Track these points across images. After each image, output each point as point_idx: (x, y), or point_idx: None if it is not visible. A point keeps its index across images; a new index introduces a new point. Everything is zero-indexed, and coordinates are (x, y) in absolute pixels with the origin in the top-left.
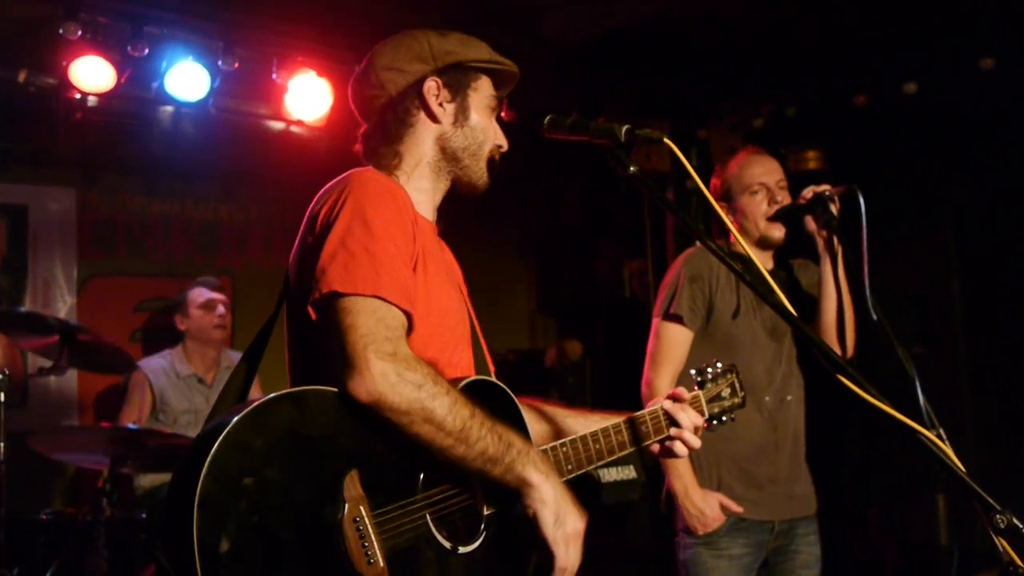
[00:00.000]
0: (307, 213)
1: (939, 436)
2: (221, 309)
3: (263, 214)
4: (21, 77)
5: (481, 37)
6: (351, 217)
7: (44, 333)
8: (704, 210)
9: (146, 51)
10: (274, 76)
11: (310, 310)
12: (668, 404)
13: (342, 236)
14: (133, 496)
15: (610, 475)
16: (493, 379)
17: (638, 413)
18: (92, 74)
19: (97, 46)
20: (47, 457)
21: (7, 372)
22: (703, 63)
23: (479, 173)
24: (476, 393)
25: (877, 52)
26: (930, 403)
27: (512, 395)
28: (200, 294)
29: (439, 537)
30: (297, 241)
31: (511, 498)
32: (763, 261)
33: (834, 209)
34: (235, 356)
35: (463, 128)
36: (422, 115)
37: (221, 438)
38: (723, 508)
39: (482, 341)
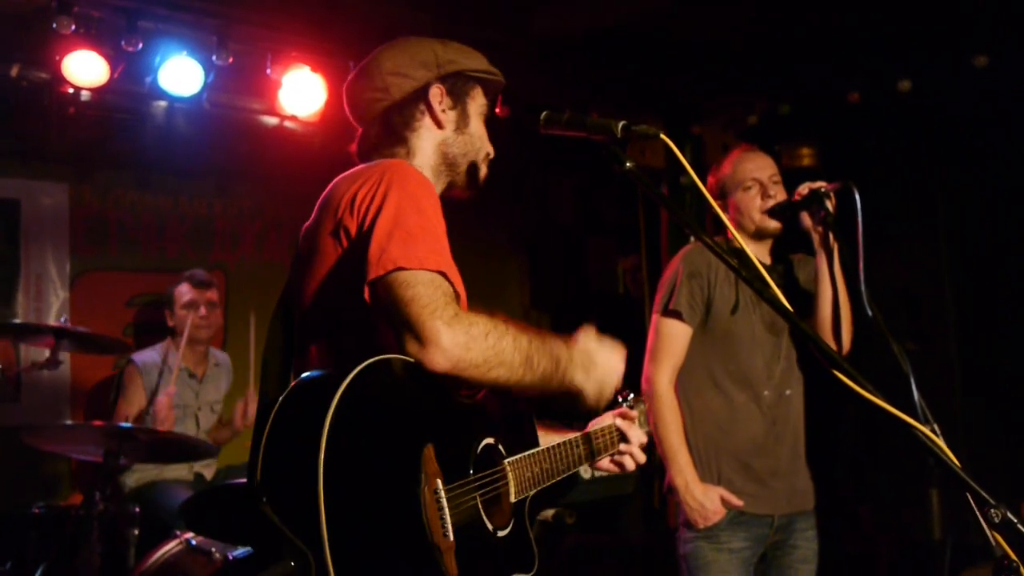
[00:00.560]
0: (331, 196)
1: (933, 431)
2: (203, 310)
3: (256, 210)
4: (14, 72)
5: (474, 34)
6: (400, 198)
7: (38, 336)
8: (698, 206)
9: (140, 46)
10: (268, 71)
11: (366, 291)
12: (620, 422)
13: (395, 217)
14: (122, 493)
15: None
16: None
17: (593, 429)
18: (85, 69)
19: (90, 41)
20: (40, 450)
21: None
22: (697, 60)
23: (473, 179)
24: (498, 399)
25: (871, 50)
26: (923, 399)
27: None
28: (184, 293)
29: (485, 520)
30: (315, 227)
31: (531, 485)
32: (760, 256)
33: (830, 205)
34: (219, 354)
35: (463, 135)
36: (427, 120)
37: (337, 400)
38: (724, 502)
39: None
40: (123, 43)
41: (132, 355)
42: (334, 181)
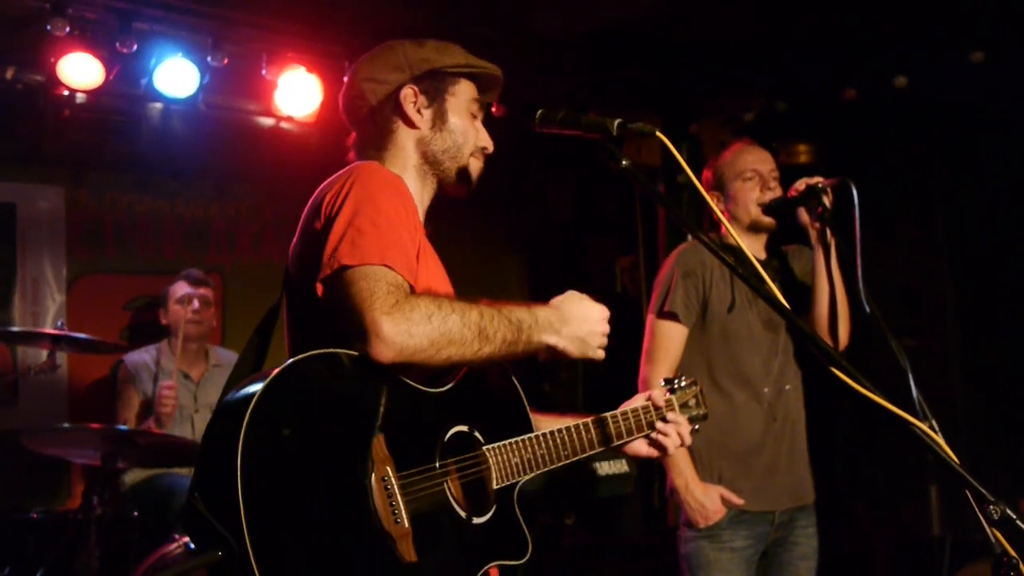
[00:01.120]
0: (310, 202)
1: (932, 427)
2: (196, 304)
3: (253, 211)
4: (9, 74)
5: (471, 33)
6: (358, 198)
7: (35, 342)
8: (695, 204)
9: (135, 47)
10: (264, 72)
11: (318, 288)
12: (656, 396)
13: (350, 217)
14: (120, 492)
15: (603, 469)
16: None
17: (612, 413)
18: (80, 71)
19: (85, 43)
20: (38, 453)
21: None
22: (694, 58)
23: (463, 175)
24: (474, 388)
25: (867, 46)
26: (922, 395)
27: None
28: (179, 289)
29: (455, 506)
30: (299, 230)
31: (519, 472)
32: (755, 250)
33: (827, 201)
34: (224, 354)
35: (442, 132)
36: (400, 122)
37: (262, 389)
38: (724, 501)
39: None
40: (118, 45)
41: (124, 356)
42: (318, 188)
